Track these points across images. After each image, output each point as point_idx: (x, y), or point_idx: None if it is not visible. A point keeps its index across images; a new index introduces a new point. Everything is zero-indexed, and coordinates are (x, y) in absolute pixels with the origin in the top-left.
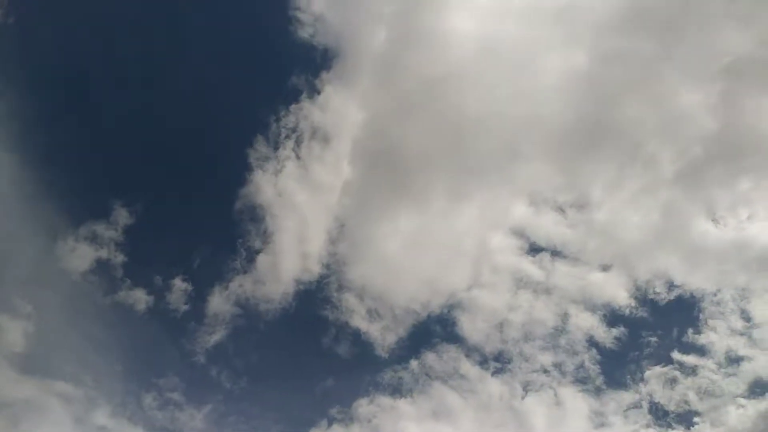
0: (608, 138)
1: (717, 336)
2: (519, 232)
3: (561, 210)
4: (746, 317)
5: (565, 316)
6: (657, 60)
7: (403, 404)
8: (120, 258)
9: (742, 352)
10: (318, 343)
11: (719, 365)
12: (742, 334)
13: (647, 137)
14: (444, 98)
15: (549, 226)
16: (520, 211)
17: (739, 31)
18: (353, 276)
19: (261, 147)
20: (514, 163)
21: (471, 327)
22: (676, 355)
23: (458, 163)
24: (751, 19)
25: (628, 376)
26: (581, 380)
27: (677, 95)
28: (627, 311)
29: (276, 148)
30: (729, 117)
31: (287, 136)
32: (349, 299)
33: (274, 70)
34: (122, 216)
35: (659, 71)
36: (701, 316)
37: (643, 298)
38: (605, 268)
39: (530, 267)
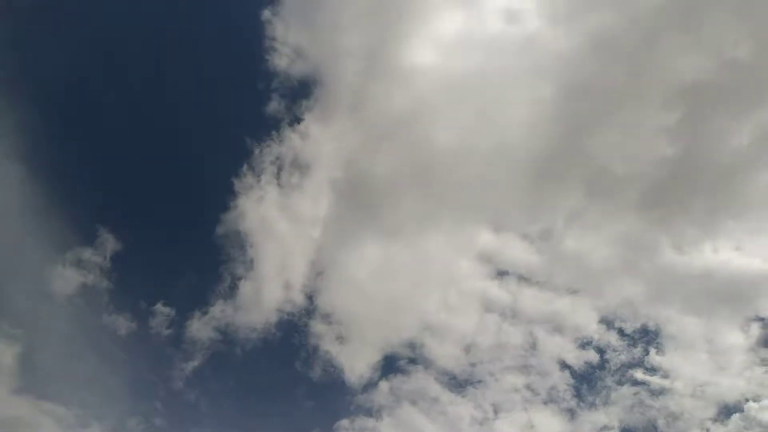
0: (573, 167)
1: (683, 361)
2: (486, 259)
3: (527, 237)
4: (710, 343)
5: (534, 340)
6: (620, 90)
7: (378, 425)
8: (105, 283)
9: (707, 377)
10: (296, 368)
11: (686, 389)
12: (706, 360)
13: (611, 166)
14: (412, 130)
15: (516, 253)
16: (487, 239)
17: (697, 58)
18: (329, 303)
19: (243, 175)
20: (481, 192)
21: (441, 350)
22: (643, 377)
23: (427, 193)
24: (710, 47)
25: (599, 398)
26: (553, 401)
27: (640, 124)
28: (596, 335)
29: (258, 176)
30: (689, 143)
31: (269, 164)
32: (325, 326)
33: (254, 98)
34: (108, 242)
35: (622, 101)
36: (666, 341)
37: (611, 323)
38: (572, 293)
39: (498, 292)
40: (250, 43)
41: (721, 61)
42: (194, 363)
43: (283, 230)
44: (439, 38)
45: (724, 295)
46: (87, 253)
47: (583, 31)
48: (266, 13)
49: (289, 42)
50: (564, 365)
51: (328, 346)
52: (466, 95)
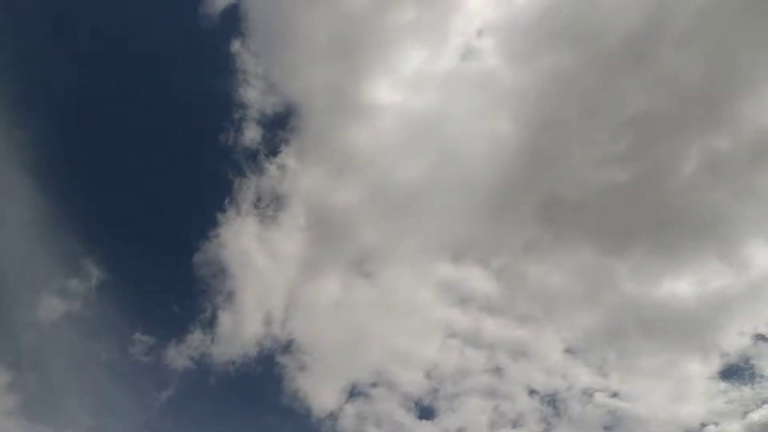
0: (531, 198)
1: (645, 388)
2: (448, 288)
3: (487, 267)
4: (671, 371)
5: (498, 366)
6: (575, 122)
7: None
8: (88, 312)
9: (668, 404)
10: (266, 397)
11: (648, 415)
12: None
13: (568, 195)
14: (374, 165)
15: (476, 283)
16: (448, 269)
17: (649, 89)
18: (300, 334)
19: (223, 207)
20: (441, 223)
21: (406, 377)
22: (607, 401)
23: (389, 226)
24: (660, 79)
25: (564, 422)
26: (519, 426)
27: (593, 154)
28: (560, 361)
29: (237, 208)
30: (640, 169)
31: (248, 196)
32: (295, 356)
33: (231, 130)
34: (92, 272)
35: (578, 133)
36: (629, 368)
37: (574, 350)
38: (534, 321)
39: (460, 319)
40: (221, 74)
41: (671, 91)
42: (169, 392)
43: (259, 262)
44: (399, 75)
45: (684, 324)
46: (72, 283)
47: (541, 69)
48: (236, 45)
49: (259, 75)
50: (530, 390)
51: (297, 376)
52: (425, 130)
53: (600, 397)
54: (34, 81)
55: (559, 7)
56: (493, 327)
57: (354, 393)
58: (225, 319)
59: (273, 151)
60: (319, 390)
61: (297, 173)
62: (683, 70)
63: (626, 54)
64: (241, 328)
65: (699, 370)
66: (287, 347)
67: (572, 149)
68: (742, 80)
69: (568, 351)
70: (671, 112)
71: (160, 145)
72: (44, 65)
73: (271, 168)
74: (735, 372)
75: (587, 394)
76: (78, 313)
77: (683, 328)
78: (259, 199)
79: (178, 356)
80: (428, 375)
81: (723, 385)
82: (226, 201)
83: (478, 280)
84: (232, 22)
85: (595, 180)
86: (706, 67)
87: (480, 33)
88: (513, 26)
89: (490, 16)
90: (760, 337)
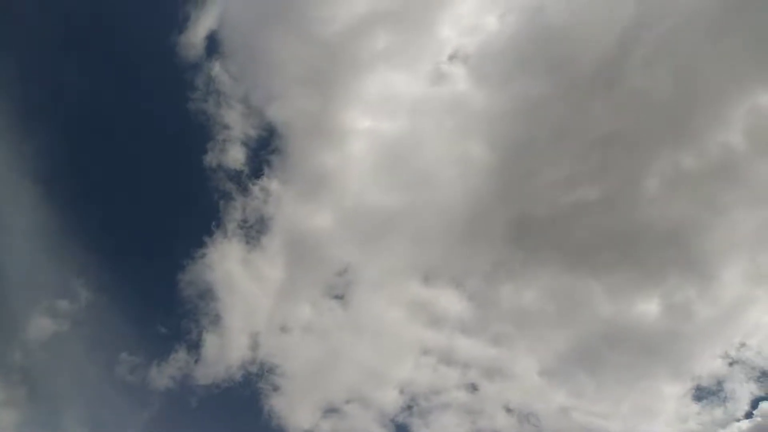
0: (502, 219)
1: (620, 407)
2: (420, 308)
3: (460, 287)
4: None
5: (472, 384)
6: (545, 144)
7: None
8: (77, 332)
9: (643, 423)
10: (247, 418)
11: None
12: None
13: (538, 216)
14: (347, 189)
15: (449, 303)
16: (420, 290)
17: (615, 110)
18: (280, 357)
19: (208, 228)
20: (413, 245)
21: (382, 395)
22: (584, 419)
23: (363, 249)
24: (628, 101)
25: None
26: None
27: (563, 174)
28: (536, 380)
29: (222, 230)
30: (609, 185)
31: (233, 218)
32: (273, 379)
33: (215, 152)
34: (82, 294)
35: (547, 155)
36: (603, 386)
37: (549, 370)
38: (508, 340)
39: (434, 338)
40: (203, 96)
41: (638, 111)
42: (152, 411)
43: (242, 284)
44: (372, 101)
45: (656, 344)
46: (62, 304)
47: (511, 94)
48: (216, 68)
49: (239, 98)
50: (506, 407)
51: (274, 397)
52: (398, 154)
53: (576, 416)
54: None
55: (530, 34)
56: (466, 346)
57: (329, 410)
58: (207, 340)
59: (256, 173)
60: (296, 409)
61: (278, 196)
62: (649, 91)
63: (595, 78)
64: (222, 349)
65: (671, 391)
66: (265, 369)
67: (542, 170)
68: (706, 98)
69: (543, 370)
70: (638, 131)
71: (146, 167)
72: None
73: (255, 190)
74: (706, 393)
75: (563, 411)
76: (67, 333)
77: (655, 349)
78: (244, 221)
79: (162, 376)
80: (402, 392)
81: (695, 406)
82: (212, 223)
83: (451, 301)
84: (212, 46)
85: (565, 199)
86: (672, 87)
87: (452, 59)
88: (485, 53)
89: (462, 43)
90: (730, 358)
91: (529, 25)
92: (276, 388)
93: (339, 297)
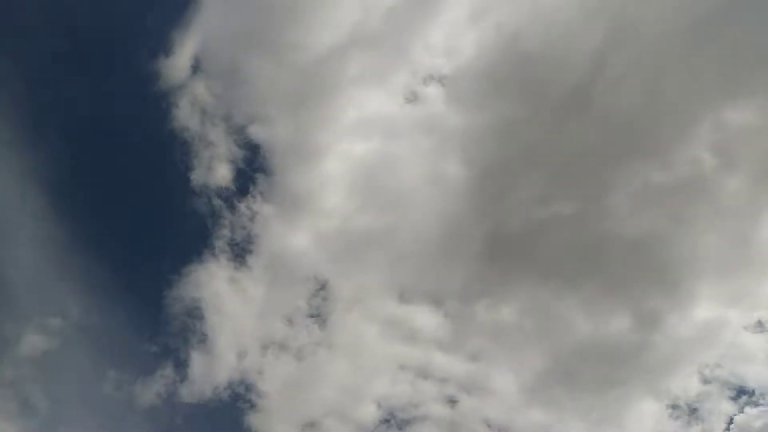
0: (477, 236)
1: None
2: (396, 325)
3: (435, 304)
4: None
5: (450, 397)
6: (518, 163)
7: None
8: (67, 349)
9: None
10: None
11: None
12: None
13: (512, 232)
14: (322, 207)
15: (425, 321)
16: (396, 307)
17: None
18: (259, 375)
19: (195, 247)
20: (388, 264)
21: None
22: None
23: (339, 268)
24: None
25: None
26: None
27: (538, 190)
28: (514, 398)
29: (210, 249)
30: (582, 200)
31: (220, 236)
32: (252, 397)
33: (202, 169)
34: (73, 311)
35: (521, 173)
36: (580, 405)
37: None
38: (484, 357)
39: (411, 354)
40: (187, 113)
41: (610, 129)
42: (138, 429)
43: (227, 303)
44: (350, 122)
45: (634, 363)
46: (55, 322)
47: (486, 116)
48: (201, 88)
49: (221, 115)
50: (485, 422)
51: (253, 416)
52: (374, 174)
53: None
54: None
55: (505, 59)
56: (444, 362)
57: (307, 425)
58: (193, 359)
59: (242, 192)
60: (274, 426)
61: (261, 214)
62: (619, 109)
63: (567, 100)
64: (206, 367)
65: (649, 408)
66: (247, 387)
67: (516, 187)
68: (674, 115)
69: (521, 385)
70: (609, 148)
71: (133, 184)
72: None
73: (241, 207)
74: (683, 411)
75: (543, 428)
76: (59, 350)
77: (632, 365)
78: (231, 239)
79: (148, 393)
80: (380, 406)
81: (672, 423)
82: (199, 241)
83: (427, 317)
84: (197, 68)
85: (538, 215)
86: (641, 105)
87: (428, 81)
88: (460, 76)
89: (439, 66)
90: (706, 376)
91: (504, 51)
92: (255, 406)
93: (316, 315)
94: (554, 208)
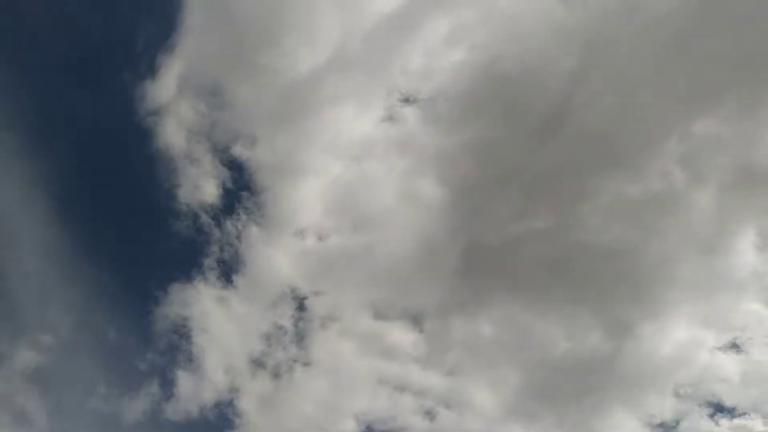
0: (452, 253)
1: None
2: (373, 340)
3: (411, 321)
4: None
5: (429, 410)
6: (494, 181)
7: None
8: (57, 365)
9: None
10: None
11: None
12: None
13: (488, 248)
14: (300, 225)
15: (402, 337)
16: (370, 323)
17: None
18: (240, 394)
19: (184, 265)
20: (366, 280)
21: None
22: None
23: (317, 287)
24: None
25: None
26: None
27: (514, 206)
28: (492, 411)
29: (200, 269)
30: (556, 215)
31: (209, 256)
32: (232, 415)
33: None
34: (64, 328)
35: (497, 191)
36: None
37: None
38: (461, 373)
39: (388, 369)
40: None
41: (585, 145)
42: None
43: (213, 323)
44: (327, 141)
45: (612, 380)
46: (46, 338)
47: (463, 136)
48: (183, 106)
49: (205, 133)
50: None
51: None
52: (352, 193)
53: None
54: None
55: (482, 82)
56: (422, 377)
57: None
58: (179, 376)
59: (228, 210)
60: None
61: (245, 232)
62: (594, 127)
63: (543, 119)
64: (189, 386)
65: (626, 424)
66: (226, 406)
67: (491, 203)
68: (646, 131)
69: (499, 401)
70: (584, 163)
71: (120, 202)
72: None
73: (227, 226)
74: (659, 429)
75: None
76: (50, 365)
77: (609, 383)
78: (218, 258)
79: (134, 410)
80: (358, 420)
81: None
82: (188, 258)
83: (404, 334)
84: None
85: (513, 230)
86: (615, 122)
87: (406, 103)
88: (438, 97)
89: (416, 88)
90: (683, 395)
91: (481, 73)
92: (234, 424)
93: (294, 333)
94: (529, 222)
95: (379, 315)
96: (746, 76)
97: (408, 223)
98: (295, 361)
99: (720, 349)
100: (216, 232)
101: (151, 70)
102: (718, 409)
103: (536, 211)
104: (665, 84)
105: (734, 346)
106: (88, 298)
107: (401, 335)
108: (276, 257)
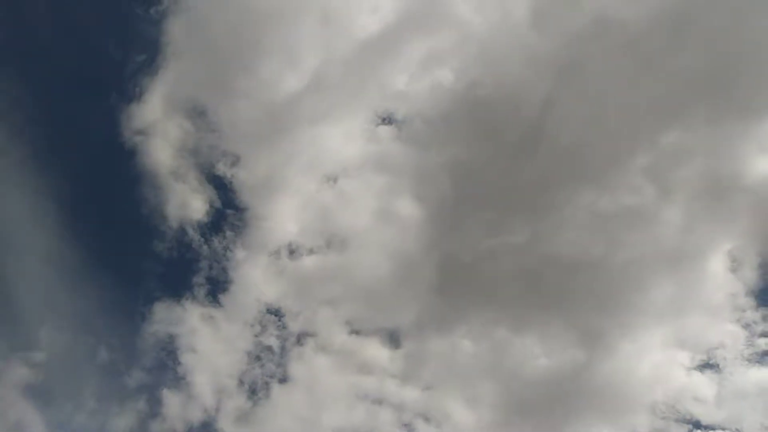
0: (428, 270)
1: None
2: (350, 357)
3: (387, 336)
4: None
5: (408, 424)
6: (472, 200)
7: None
8: (46, 382)
9: None
10: None
11: None
12: None
13: (463, 263)
14: (277, 242)
15: (378, 353)
16: (349, 340)
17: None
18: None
19: (172, 282)
20: (343, 298)
21: None
22: None
23: (296, 305)
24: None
25: None
26: None
27: (489, 221)
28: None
29: (185, 285)
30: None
31: (199, 276)
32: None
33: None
34: (54, 345)
35: (473, 207)
36: None
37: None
38: (438, 389)
39: (366, 384)
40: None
41: (559, 162)
42: None
43: (200, 342)
44: (307, 160)
45: (590, 397)
46: (36, 355)
47: (440, 156)
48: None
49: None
50: None
51: None
52: (328, 213)
53: None
54: None
55: (459, 105)
56: (399, 393)
57: None
58: (164, 394)
59: (215, 229)
60: None
61: (231, 250)
62: (568, 144)
63: (519, 139)
64: (182, 408)
65: None
66: (204, 425)
67: (467, 221)
68: (617, 146)
69: (476, 414)
70: (558, 179)
71: (107, 220)
72: None
73: (215, 244)
74: None
75: None
76: (37, 383)
77: (588, 400)
78: (207, 276)
79: (121, 428)
80: None
81: None
82: (176, 276)
83: (382, 350)
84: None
85: (488, 245)
86: (588, 139)
87: (384, 124)
88: (415, 120)
89: (395, 110)
90: (661, 414)
91: (458, 97)
92: None
93: (272, 350)
94: (503, 237)
95: (357, 331)
96: (711, 91)
97: (385, 241)
98: (272, 377)
99: (696, 368)
100: (204, 250)
101: (137, 92)
102: (696, 426)
103: (510, 226)
104: (634, 100)
105: (709, 366)
106: (79, 316)
107: (378, 351)
108: (255, 275)
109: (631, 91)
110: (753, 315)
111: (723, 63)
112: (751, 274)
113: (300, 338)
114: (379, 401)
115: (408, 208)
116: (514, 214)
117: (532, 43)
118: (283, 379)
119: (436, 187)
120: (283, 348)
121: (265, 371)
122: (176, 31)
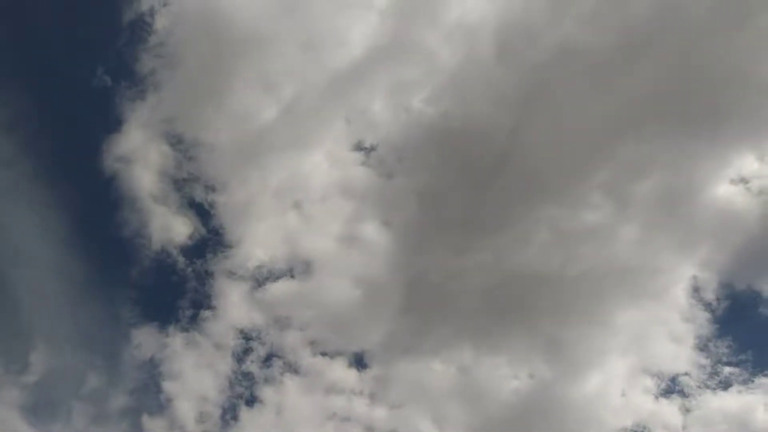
0: (396, 291)
1: None
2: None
3: (355, 360)
4: None
5: None
6: (439, 224)
7: None
8: (33, 401)
9: None
10: None
11: None
12: None
13: (431, 283)
14: (248, 265)
15: (346, 374)
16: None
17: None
18: None
19: (156, 306)
20: (311, 321)
21: None
22: None
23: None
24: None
25: None
26: None
27: (456, 242)
28: None
29: (169, 309)
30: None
31: (186, 299)
32: None
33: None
34: (40, 366)
35: (441, 231)
36: None
37: None
38: (407, 409)
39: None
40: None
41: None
42: None
43: (183, 364)
44: (277, 185)
45: (563, 422)
46: (25, 378)
47: (409, 183)
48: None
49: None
50: None
51: None
52: (295, 234)
53: None
54: None
55: (429, 135)
56: (368, 413)
57: None
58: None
59: (195, 252)
60: None
61: (210, 275)
62: (533, 168)
63: (487, 166)
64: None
65: None
66: None
67: (434, 243)
68: (579, 168)
69: None
70: (525, 198)
71: (91, 242)
72: None
73: (196, 267)
74: None
75: None
76: (30, 403)
77: (556, 420)
78: (185, 300)
79: None
80: None
81: None
82: (160, 299)
83: (350, 372)
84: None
85: (456, 266)
86: (552, 162)
87: (354, 151)
88: (385, 147)
89: (365, 138)
90: None
91: (424, 126)
92: None
93: (242, 374)
94: (469, 256)
95: (324, 353)
96: (667, 109)
97: (352, 264)
98: (239, 398)
99: (661, 394)
100: (185, 274)
101: (118, 120)
102: None
103: (476, 247)
104: (593, 120)
105: (675, 391)
106: (63, 337)
107: (346, 373)
108: (228, 299)
109: (591, 111)
110: (714, 338)
111: (681, 83)
112: (711, 295)
113: (266, 361)
114: (347, 419)
115: (375, 232)
116: (479, 234)
117: (497, 74)
118: (249, 402)
119: (403, 213)
120: (249, 372)
121: (233, 394)
122: (155, 62)
